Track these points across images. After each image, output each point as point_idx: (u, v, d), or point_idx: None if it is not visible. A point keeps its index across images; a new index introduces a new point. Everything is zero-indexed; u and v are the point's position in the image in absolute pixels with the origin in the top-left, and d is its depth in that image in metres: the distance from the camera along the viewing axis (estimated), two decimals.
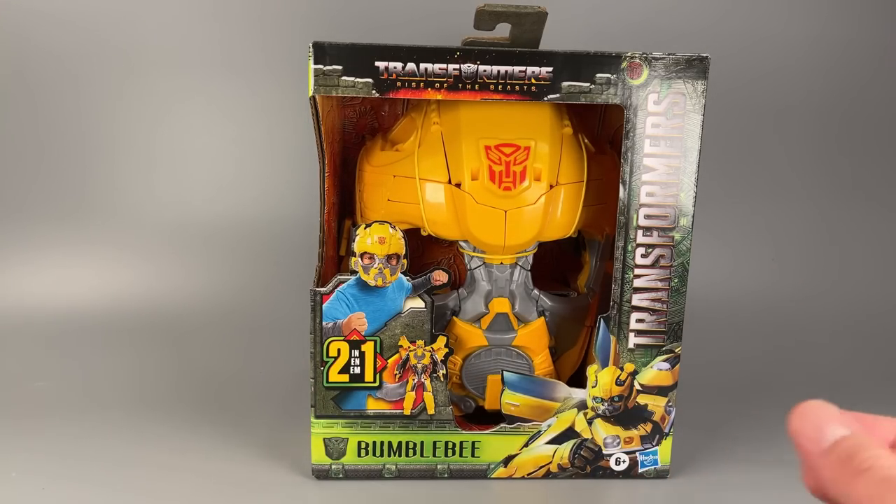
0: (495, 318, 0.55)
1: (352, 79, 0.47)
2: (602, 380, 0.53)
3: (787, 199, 0.96)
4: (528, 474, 0.55)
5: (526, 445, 0.54)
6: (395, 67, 0.47)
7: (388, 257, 0.51)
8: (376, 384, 0.53)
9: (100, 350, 0.77)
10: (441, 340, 0.52)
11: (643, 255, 0.51)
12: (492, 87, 0.48)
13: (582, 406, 0.54)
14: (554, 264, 0.65)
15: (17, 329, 0.81)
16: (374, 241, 0.50)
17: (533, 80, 0.48)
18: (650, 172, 0.50)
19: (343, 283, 0.51)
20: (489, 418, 0.55)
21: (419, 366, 0.52)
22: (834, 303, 0.92)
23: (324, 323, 0.51)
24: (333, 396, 0.53)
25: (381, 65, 0.47)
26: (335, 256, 0.59)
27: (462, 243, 0.55)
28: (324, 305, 0.51)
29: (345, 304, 0.51)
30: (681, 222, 0.51)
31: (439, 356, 0.52)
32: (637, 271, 0.51)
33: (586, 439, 0.55)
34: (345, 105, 0.62)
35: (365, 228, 0.51)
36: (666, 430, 0.55)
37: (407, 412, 0.53)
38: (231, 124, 0.89)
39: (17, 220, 0.88)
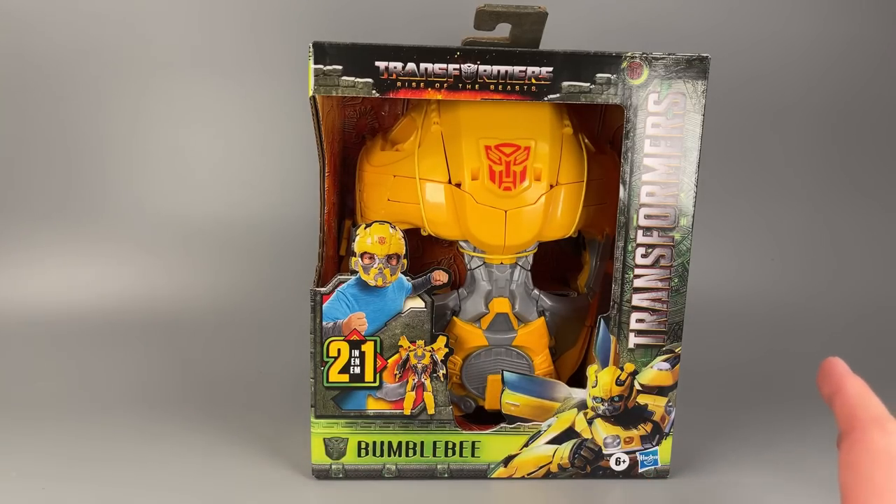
0: (495, 318, 0.55)
1: (352, 79, 0.47)
2: (602, 380, 0.53)
3: (787, 199, 0.96)
4: (528, 474, 0.55)
5: (526, 445, 0.54)
6: (395, 67, 0.47)
7: (389, 257, 0.51)
8: (376, 384, 0.53)
9: (99, 350, 0.77)
10: (441, 340, 0.52)
11: (643, 255, 0.51)
12: (492, 86, 0.48)
13: (582, 406, 0.54)
14: (554, 264, 0.65)
15: (17, 329, 0.81)
16: (375, 240, 0.50)
17: (533, 80, 0.48)
18: (650, 172, 0.50)
19: (343, 282, 0.51)
20: (489, 418, 0.55)
21: (419, 366, 0.52)
22: (834, 302, 0.92)
23: (324, 323, 0.51)
24: (333, 396, 0.53)
25: (381, 65, 0.47)
26: (335, 256, 0.59)
27: (462, 243, 0.55)
28: (324, 305, 0.51)
29: (345, 304, 0.51)
30: (681, 222, 0.51)
31: (439, 356, 0.52)
32: (637, 271, 0.51)
33: (586, 439, 0.55)
34: (345, 105, 0.62)
35: (365, 228, 0.51)
36: (666, 430, 0.55)
37: (407, 412, 0.53)
38: (231, 124, 0.90)
39: (17, 221, 0.89)
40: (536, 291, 0.56)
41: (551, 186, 0.51)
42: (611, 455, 0.55)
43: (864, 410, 0.34)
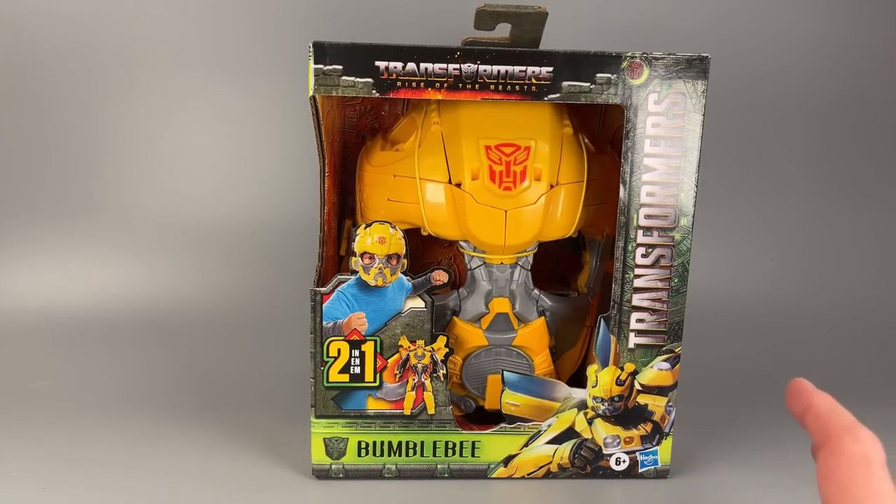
0: (495, 318, 0.55)
1: (352, 78, 0.47)
2: (602, 379, 0.53)
3: (787, 199, 0.96)
4: (529, 474, 0.55)
5: (526, 445, 0.54)
6: (395, 67, 0.47)
7: (389, 257, 0.51)
8: (376, 384, 0.53)
9: (99, 350, 0.77)
10: (441, 340, 0.52)
11: (643, 255, 0.51)
12: (492, 86, 0.48)
13: (582, 406, 0.54)
14: (554, 264, 0.65)
15: (16, 329, 0.81)
16: (375, 240, 0.50)
17: (533, 80, 0.48)
18: (650, 172, 0.50)
19: (343, 282, 0.51)
20: (489, 418, 0.55)
21: (419, 366, 0.52)
22: (834, 302, 0.92)
23: (324, 323, 0.51)
24: (333, 396, 0.53)
25: (381, 64, 0.47)
26: (335, 256, 0.59)
27: (462, 243, 0.55)
28: (324, 305, 0.51)
29: (345, 303, 0.51)
30: (681, 222, 0.51)
31: (439, 356, 0.52)
32: (637, 271, 0.51)
33: (586, 439, 0.55)
34: (345, 105, 0.62)
35: (365, 228, 0.51)
36: (666, 430, 0.55)
37: (407, 412, 0.53)
38: (231, 124, 0.90)
39: (16, 220, 0.88)
40: (536, 291, 0.56)
41: (551, 186, 0.51)
42: (611, 455, 0.55)
43: (835, 421, 0.35)
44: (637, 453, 0.55)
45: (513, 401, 0.54)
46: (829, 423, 0.35)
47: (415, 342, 0.52)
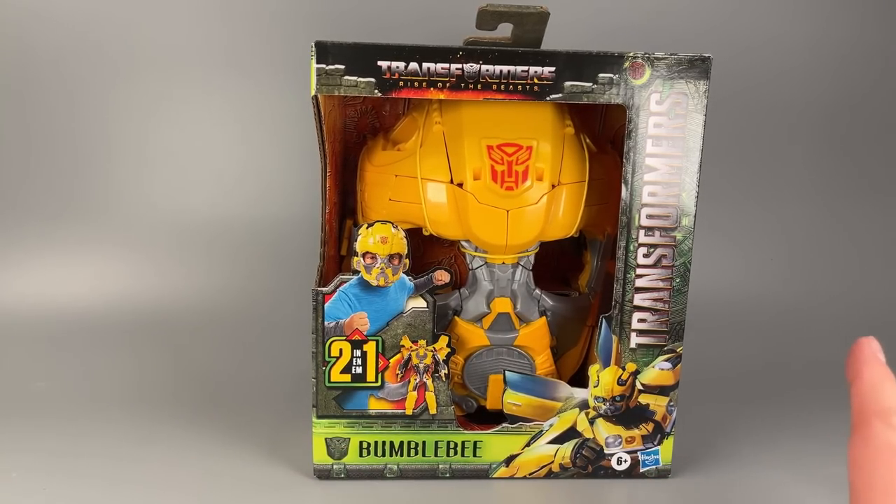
0: (497, 318, 0.55)
1: (354, 78, 0.47)
2: (604, 379, 0.53)
3: (790, 200, 0.96)
4: (530, 474, 0.55)
5: (528, 445, 0.54)
6: (397, 67, 0.47)
7: (391, 257, 0.51)
8: (378, 384, 0.53)
9: (100, 350, 0.77)
10: (443, 340, 0.52)
11: (645, 255, 0.51)
12: (494, 86, 0.48)
13: (584, 406, 0.54)
14: (555, 264, 0.65)
15: (16, 329, 0.81)
16: (377, 240, 0.50)
17: (535, 80, 0.48)
18: (652, 172, 0.50)
19: (345, 282, 0.51)
20: (491, 418, 0.55)
21: (421, 366, 0.52)
22: (836, 302, 0.92)
23: (326, 322, 0.51)
24: (335, 396, 0.53)
25: (383, 64, 0.47)
26: (336, 256, 0.59)
27: (464, 243, 0.55)
28: (326, 305, 0.51)
29: (347, 303, 0.51)
30: (683, 222, 0.51)
31: (441, 356, 0.52)
32: (639, 271, 0.51)
33: (588, 439, 0.55)
34: (346, 104, 0.62)
35: (367, 228, 0.51)
36: (667, 430, 0.55)
37: (409, 412, 0.53)
38: (232, 124, 0.89)
39: (16, 220, 0.88)
40: (538, 291, 0.56)
41: (553, 186, 0.51)
42: (612, 455, 0.55)
43: (873, 403, 0.31)
44: (638, 453, 0.55)
45: (514, 401, 0.54)
46: (864, 403, 0.31)
47: (416, 342, 0.52)
